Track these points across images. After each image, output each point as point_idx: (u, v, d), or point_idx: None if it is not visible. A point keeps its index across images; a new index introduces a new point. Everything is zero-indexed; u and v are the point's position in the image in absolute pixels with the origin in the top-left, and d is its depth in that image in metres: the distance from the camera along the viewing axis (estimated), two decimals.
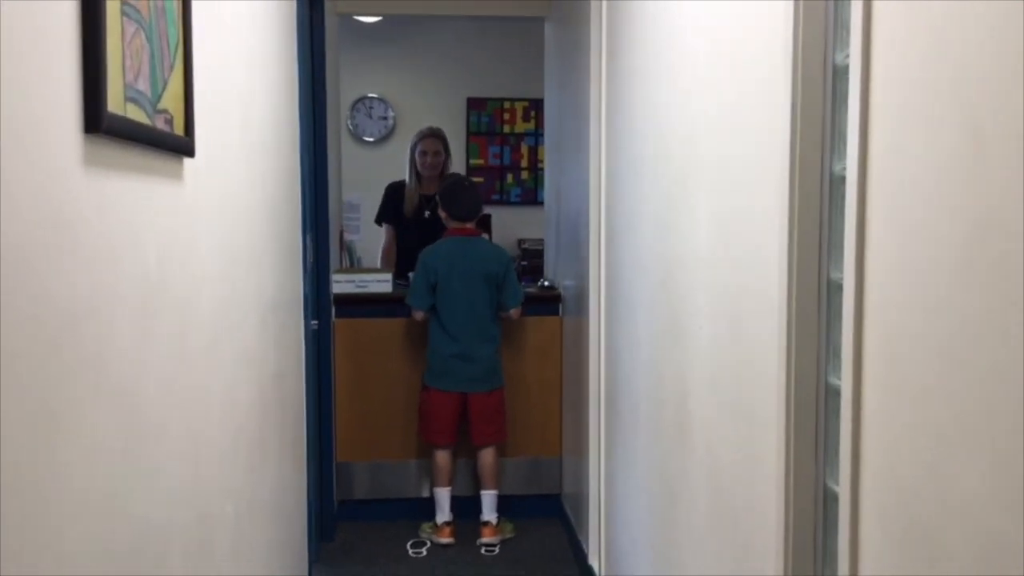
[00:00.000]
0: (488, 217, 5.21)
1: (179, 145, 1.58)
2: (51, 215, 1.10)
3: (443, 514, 4.21)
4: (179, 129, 1.58)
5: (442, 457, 4.23)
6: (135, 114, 1.35)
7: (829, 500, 1.65)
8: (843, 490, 1.46)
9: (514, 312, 4.25)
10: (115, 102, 1.26)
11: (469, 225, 4.21)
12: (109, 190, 1.29)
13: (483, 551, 4.14)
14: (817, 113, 1.61)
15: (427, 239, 4.40)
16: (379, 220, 5.15)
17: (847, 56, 1.47)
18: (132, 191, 1.38)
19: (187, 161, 1.66)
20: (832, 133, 1.59)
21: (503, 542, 4.20)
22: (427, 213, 4.82)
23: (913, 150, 1.27)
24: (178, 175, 1.62)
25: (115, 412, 1.30)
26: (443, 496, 4.23)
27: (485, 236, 4.43)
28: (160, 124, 1.48)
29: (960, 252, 1.16)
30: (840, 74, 1.56)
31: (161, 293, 1.52)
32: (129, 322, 1.36)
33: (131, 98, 1.33)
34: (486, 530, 4.17)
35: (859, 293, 1.41)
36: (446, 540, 4.16)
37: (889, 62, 1.33)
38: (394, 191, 5.07)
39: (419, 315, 4.18)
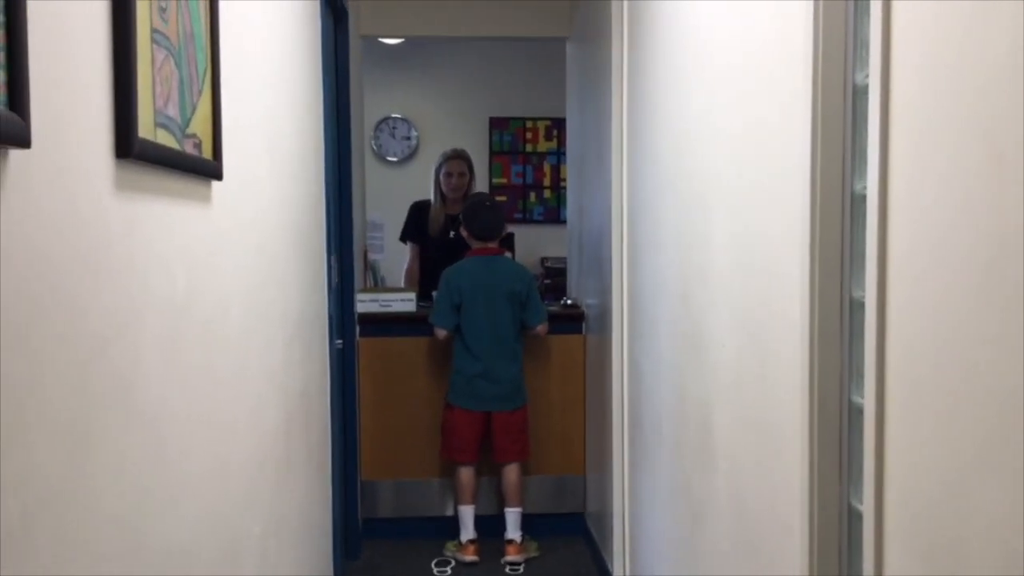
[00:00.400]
0: (511, 236, 5.23)
1: (207, 169, 1.61)
2: (83, 239, 1.12)
3: (467, 532, 4.21)
4: (207, 153, 1.61)
5: (466, 474, 4.23)
6: (165, 139, 1.37)
7: (854, 519, 1.64)
8: (867, 509, 1.46)
9: (541, 329, 4.27)
10: (145, 127, 1.29)
11: (492, 244, 4.23)
12: (139, 214, 1.31)
13: (508, 570, 4.13)
14: (837, 132, 1.61)
15: (452, 259, 4.42)
16: (404, 238, 5.18)
17: (867, 76, 1.48)
18: (161, 215, 1.41)
19: (215, 184, 1.69)
20: (853, 152, 1.60)
21: (527, 561, 4.19)
22: (452, 233, 4.84)
23: (934, 169, 1.27)
24: (206, 198, 1.65)
25: (143, 435, 1.32)
26: (467, 514, 4.23)
27: (508, 255, 4.44)
28: (189, 148, 1.50)
29: (983, 270, 1.16)
30: (860, 94, 1.57)
31: (188, 316, 1.54)
32: (157, 345, 1.38)
33: (161, 123, 1.36)
34: (511, 548, 4.17)
35: (881, 311, 1.41)
36: (470, 558, 4.16)
37: (909, 81, 1.34)
38: (419, 210, 5.10)
39: (442, 334, 4.20)
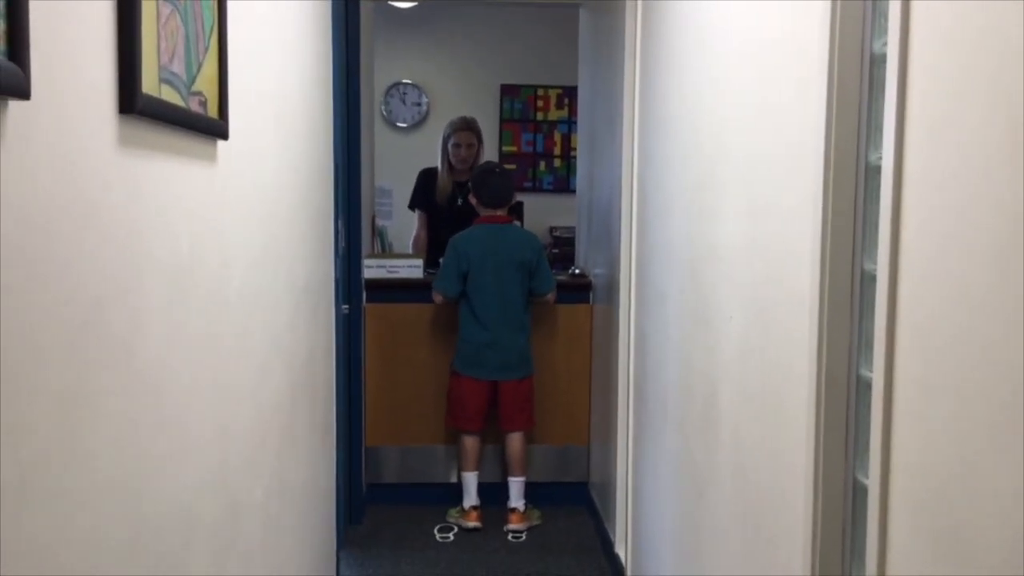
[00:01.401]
0: (520, 205, 5.20)
1: (213, 127, 1.59)
2: (83, 195, 1.10)
3: (470, 498, 4.23)
4: (213, 111, 1.59)
5: (470, 442, 4.24)
6: (169, 96, 1.35)
7: (858, 494, 1.63)
8: (872, 484, 1.45)
9: (550, 297, 4.27)
10: (150, 83, 1.26)
11: (500, 212, 4.20)
12: (142, 171, 1.30)
13: (510, 537, 4.15)
14: (853, 101, 1.58)
15: (459, 226, 4.40)
16: (412, 206, 5.15)
17: (885, 44, 1.45)
18: (165, 173, 1.39)
19: (220, 144, 1.67)
20: (868, 122, 1.57)
21: (530, 529, 4.20)
22: (460, 201, 4.82)
23: (952, 140, 1.25)
24: (211, 157, 1.63)
25: (144, 397, 1.31)
26: (470, 480, 4.24)
27: (517, 223, 4.42)
28: (194, 106, 1.48)
29: (999, 243, 1.13)
30: (877, 63, 1.54)
31: (192, 276, 1.52)
32: (159, 305, 1.37)
33: (165, 80, 1.34)
34: (513, 516, 4.18)
35: (893, 284, 1.39)
36: (473, 524, 4.18)
37: (928, 49, 1.31)
38: (427, 177, 5.07)
39: (438, 299, 4.19)
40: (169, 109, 1.35)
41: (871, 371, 1.51)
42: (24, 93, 0.92)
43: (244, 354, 1.92)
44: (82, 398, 1.11)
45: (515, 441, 4.25)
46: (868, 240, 1.57)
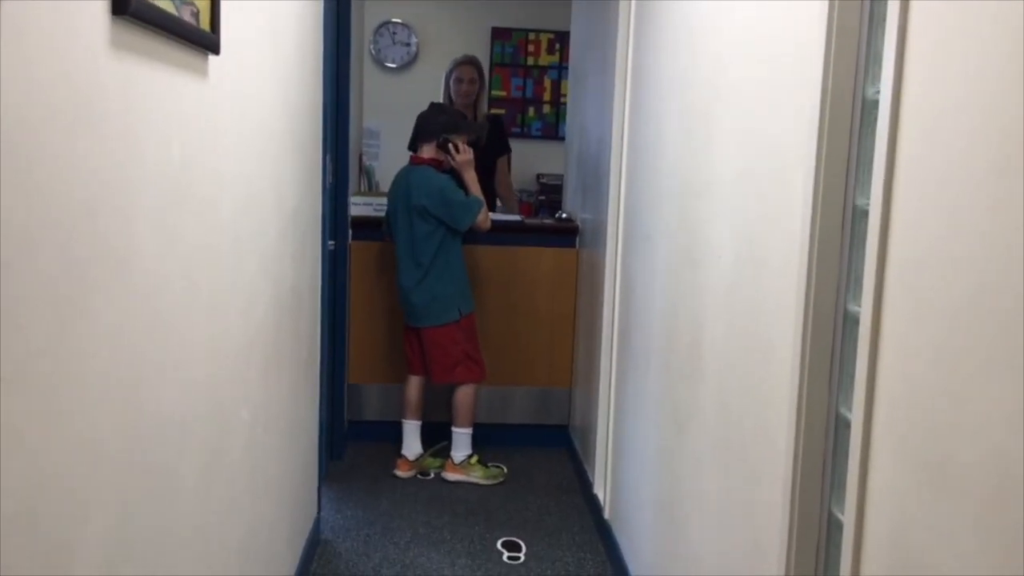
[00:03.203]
0: (508, 152, 5.16)
1: (204, 40, 1.56)
2: (76, 95, 1.09)
3: (404, 447, 4.15)
4: (205, 24, 1.57)
5: (409, 387, 4.17)
6: (162, 1, 1.33)
7: (840, 427, 1.65)
8: (856, 416, 1.46)
9: (480, 224, 3.95)
10: None
11: (418, 152, 4.02)
12: (134, 77, 1.28)
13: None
14: (853, 33, 1.57)
15: None
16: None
17: None
18: (157, 81, 1.37)
19: (212, 58, 1.65)
20: (867, 56, 1.56)
21: (477, 485, 4.08)
22: None
23: (951, 74, 1.24)
24: (202, 71, 1.61)
25: (138, 302, 1.31)
26: (407, 429, 4.16)
27: (430, 167, 3.98)
28: (186, 16, 1.46)
29: (995, 178, 1.14)
30: None
31: (184, 189, 1.51)
32: (152, 212, 1.36)
33: None
34: (447, 465, 4.13)
35: (885, 219, 1.39)
36: (402, 474, 4.11)
37: None
38: None
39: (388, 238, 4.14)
40: (161, 15, 1.33)
41: (859, 306, 1.52)
42: None
43: (235, 271, 1.91)
44: (75, 300, 1.10)
45: (456, 392, 4.11)
46: (862, 175, 1.57)
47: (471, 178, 4.01)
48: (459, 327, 4.03)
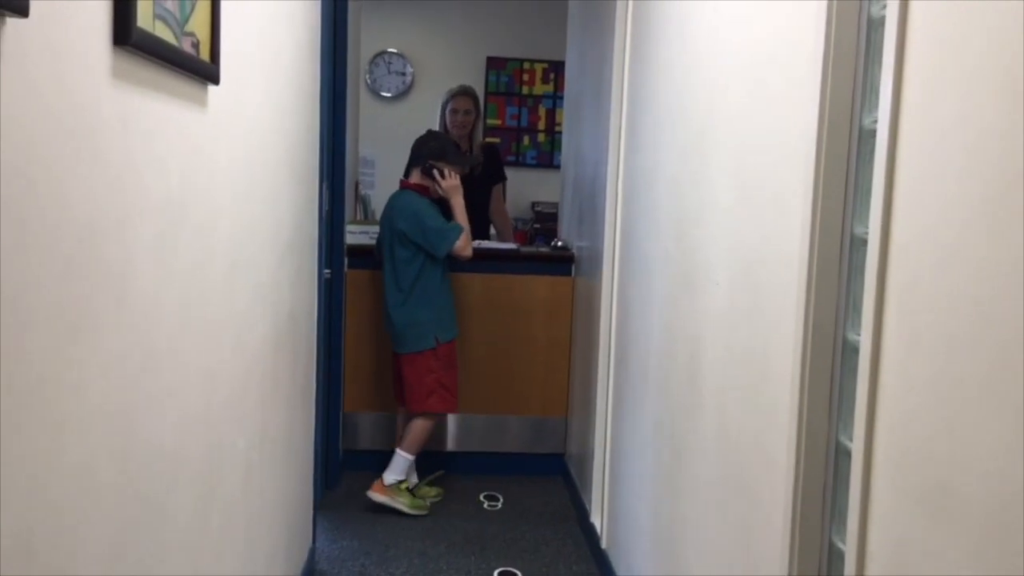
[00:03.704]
0: (503, 180, 5.17)
1: (204, 70, 1.57)
2: (77, 124, 1.09)
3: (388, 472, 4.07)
4: (205, 55, 1.57)
5: (403, 417, 4.17)
6: (163, 32, 1.34)
7: (841, 456, 1.64)
8: (856, 445, 1.46)
9: (458, 251, 3.88)
10: (144, 18, 1.25)
11: (408, 178, 4.02)
12: (135, 106, 1.28)
13: (486, 505, 4.16)
14: (849, 64, 1.59)
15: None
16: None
17: (884, 7, 1.45)
18: (157, 111, 1.38)
19: (211, 88, 1.65)
20: (864, 85, 1.57)
21: (401, 513, 3.98)
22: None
23: (948, 103, 1.25)
24: (202, 101, 1.61)
25: (133, 330, 1.30)
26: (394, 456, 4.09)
27: (415, 192, 3.98)
28: (187, 47, 1.46)
29: (993, 207, 1.14)
30: (875, 25, 1.54)
31: (182, 216, 1.51)
32: (150, 241, 1.36)
33: (160, 15, 1.32)
34: (376, 484, 4.02)
35: (884, 249, 1.40)
36: (375, 496, 4.00)
37: (927, 11, 1.31)
38: None
39: None
40: (162, 46, 1.33)
41: (858, 334, 1.52)
42: (23, 10, 0.90)
43: (230, 300, 1.90)
44: (74, 328, 1.09)
45: (416, 417, 4.03)
46: (860, 204, 1.58)
47: (457, 203, 3.97)
48: (435, 355, 3.98)
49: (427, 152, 3.98)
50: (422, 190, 3.98)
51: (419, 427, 4.03)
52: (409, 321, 3.96)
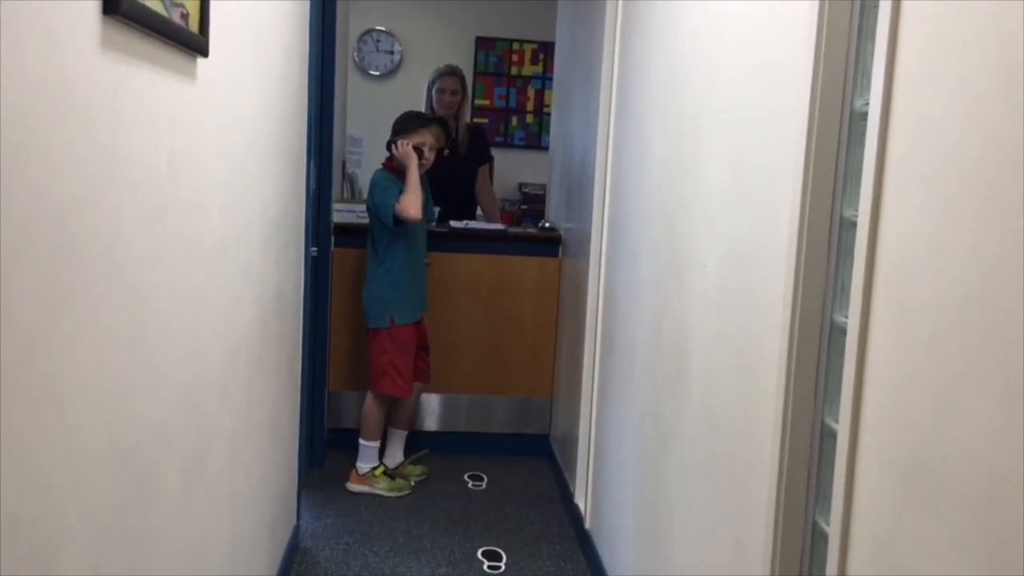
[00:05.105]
0: (490, 160, 5.16)
1: (193, 42, 1.55)
2: (66, 92, 1.08)
3: (387, 455, 4.14)
4: (194, 26, 1.56)
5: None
6: (152, 2, 1.32)
7: (826, 437, 1.65)
8: (842, 428, 1.47)
9: (400, 209, 3.77)
10: None
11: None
12: (124, 76, 1.27)
13: (470, 486, 4.17)
14: (841, 47, 1.58)
15: (443, 177, 4.37)
16: None
17: None
18: (146, 81, 1.36)
19: (200, 61, 1.64)
20: (856, 67, 1.57)
21: (377, 496, 3.99)
22: (446, 151, 4.78)
23: (940, 87, 1.25)
24: (191, 73, 1.60)
25: (122, 303, 1.29)
26: (392, 438, 4.15)
27: (383, 169, 3.99)
28: (176, 17, 1.45)
29: (982, 192, 1.14)
30: (868, 9, 1.54)
31: (171, 190, 1.50)
32: (139, 214, 1.35)
33: None
34: (352, 475, 4.05)
35: (873, 229, 1.40)
36: (353, 486, 4.03)
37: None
38: None
39: None
40: (152, 15, 1.32)
41: (845, 316, 1.53)
42: None
43: (218, 277, 1.89)
44: (61, 298, 1.09)
45: (365, 401, 4.08)
46: (850, 187, 1.58)
47: (411, 170, 3.86)
48: (390, 335, 3.97)
49: (392, 131, 4.03)
50: (390, 167, 4.00)
51: (368, 412, 4.05)
52: (372, 298, 4.00)
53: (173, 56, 1.48)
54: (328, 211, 4.06)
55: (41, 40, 1.00)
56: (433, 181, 4.24)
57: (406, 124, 4.03)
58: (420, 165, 3.91)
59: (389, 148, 3.99)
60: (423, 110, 4.86)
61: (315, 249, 3.83)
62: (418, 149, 3.92)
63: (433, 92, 4.84)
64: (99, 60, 1.17)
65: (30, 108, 0.98)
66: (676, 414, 2.44)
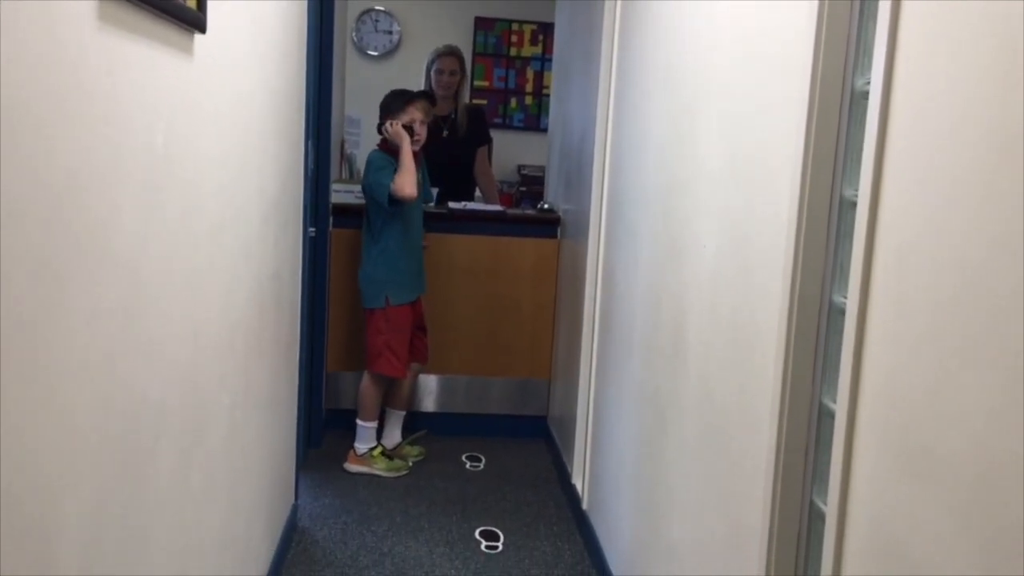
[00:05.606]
0: (489, 141, 5.14)
1: (191, 18, 1.54)
2: (63, 67, 1.07)
3: (385, 435, 4.17)
4: (192, 2, 1.54)
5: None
6: None
7: (824, 418, 1.65)
8: (840, 407, 1.47)
9: (395, 189, 3.76)
10: None
11: None
12: (121, 52, 1.26)
13: (468, 466, 4.18)
14: (843, 25, 1.57)
15: (441, 158, 4.34)
16: None
17: None
18: (143, 57, 1.35)
19: (198, 37, 1.63)
20: (857, 46, 1.56)
21: (375, 477, 4.01)
22: (445, 132, 4.76)
23: (942, 67, 1.24)
24: (188, 49, 1.59)
25: (118, 281, 1.29)
26: (390, 418, 4.17)
27: (377, 149, 3.97)
28: None
29: (982, 171, 1.14)
30: None
31: (167, 167, 1.49)
32: (135, 191, 1.34)
33: None
34: (350, 456, 4.07)
35: (873, 209, 1.40)
36: (351, 467, 4.04)
37: None
38: None
39: None
40: None
41: (844, 296, 1.52)
42: None
43: (215, 255, 1.89)
44: (58, 276, 1.08)
45: (361, 382, 4.09)
46: (850, 167, 1.58)
47: (404, 149, 3.85)
48: (385, 316, 3.97)
49: (380, 113, 4.00)
50: (385, 148, 3.98)
51: (365, 392, 4.05)
52: (367, 278, 3.99)
53: (171, 32, 1.47)
54: (326, 191, 4.06)
55: (38, 13, 0.99)
56: (431, 162, 4.23)
57: (391, 104, 4.00)
58: (414, 142, 3.89)
59: (380, 131, 3.98)
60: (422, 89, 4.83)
61: (313, 229, 3.82)
62: (408, 127, 3.90)
63: (432, 72, 4.82)
64: (96, 34, 1.16)
65: (26, 83, 0.98)
66: (674, 394, 2.44)
